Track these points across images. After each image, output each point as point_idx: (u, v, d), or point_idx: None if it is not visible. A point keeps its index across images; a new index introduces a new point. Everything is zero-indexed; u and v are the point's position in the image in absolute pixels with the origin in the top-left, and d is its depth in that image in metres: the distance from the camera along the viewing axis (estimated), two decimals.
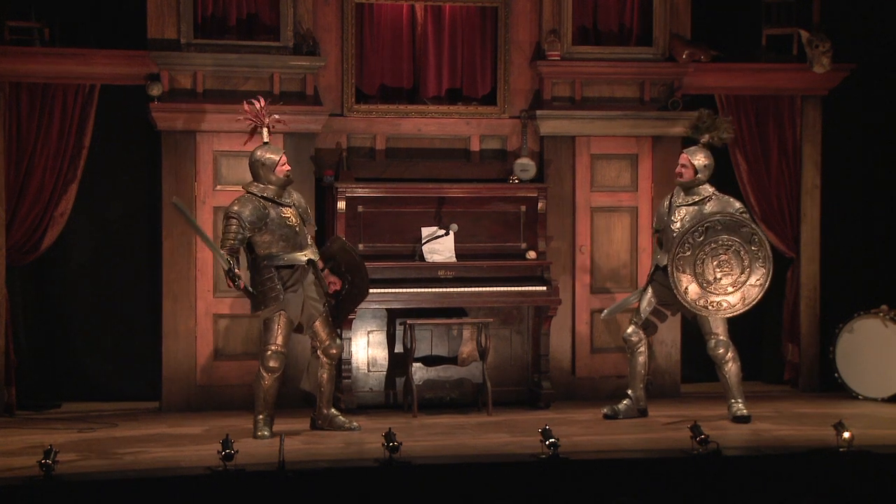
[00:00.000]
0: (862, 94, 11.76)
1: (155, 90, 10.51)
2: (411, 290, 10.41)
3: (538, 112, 11.08)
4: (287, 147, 10.73)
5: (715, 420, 9.93)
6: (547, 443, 8.41)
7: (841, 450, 8.68)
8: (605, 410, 10.28)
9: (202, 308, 10.66)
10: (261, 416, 9.55)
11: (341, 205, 10.55)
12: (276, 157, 9.59)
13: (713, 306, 9.96)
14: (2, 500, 7.65)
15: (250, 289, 9.51)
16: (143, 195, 11.00)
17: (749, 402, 10.31)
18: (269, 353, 9.54)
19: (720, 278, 9.91)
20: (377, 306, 10.46)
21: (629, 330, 10.28)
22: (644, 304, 10.25)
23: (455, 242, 10.67)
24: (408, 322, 10.39)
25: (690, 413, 10.09)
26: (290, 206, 9.61)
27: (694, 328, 11.51)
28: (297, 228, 9.58)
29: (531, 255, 10.81)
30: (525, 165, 11.04)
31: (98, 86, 10.57)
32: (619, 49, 11.33)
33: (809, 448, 8.91)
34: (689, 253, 9.88)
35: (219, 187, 10.70)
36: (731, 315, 10.06)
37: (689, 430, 8.67)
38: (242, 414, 10.36)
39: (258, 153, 9.60)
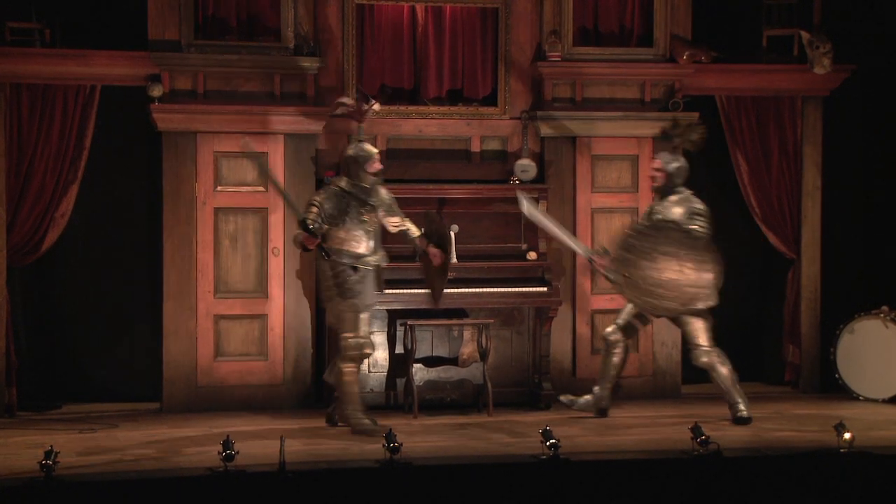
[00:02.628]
0: (863, 95, 11.77)
1: (156, 91, 10.52)
2: (412, 290, 10.41)
3: (539, 113, 11.09)
4: (287, 148, 10.74)
5: (716, 421, 9.92)
6: (547, 444, 8.41)
7: (842, 451, 8.68)
8: (562, 398, 10.30)
9: (203, 309, 10.67)
10: (351, 408, 9.55)
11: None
12: (374, 152, 9.74)
13: (677, 301, 9.79)
14: (2, 500, 7.65)
15: (325, 248, 9.51)
16: (143, 196, 11.00)
17: (750, 403, 10.31)
18: (354, 342, 9.58)
19: (668, 278, 9.75)
20: (378, 307, 10.46)
21: (609, 329, 10.25)
22: (628, 306, 10.21)
23: (456, 243, 10.67)
24: (408, 323, 10.39)
25: (691, 414, 10.08)
26: (374, 210, 9.71)
27: None
28: (374, 233, 9.70)
29: (532, 255, 10.81)
30: (526, 166, 11.04)
31: (99, 87, 10.57)
32: (620, 50, 11.33)
33: (810, 449, 8.91)
34: (629, 273, 9.76)
35: (219, 188, 10.70)
36: (703, 305, 9.90)
37: (690, 431, 8.66)
38: (243, 415, 10.37)
39: (353, 149, 9.72)
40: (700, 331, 10.05)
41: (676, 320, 10.12)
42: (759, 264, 12.01)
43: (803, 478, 8.49)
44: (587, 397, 10.29)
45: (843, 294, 11.70)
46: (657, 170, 10.14)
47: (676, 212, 10.01)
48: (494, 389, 10.44)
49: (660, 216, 10.02)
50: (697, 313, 10.00)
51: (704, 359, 10.07)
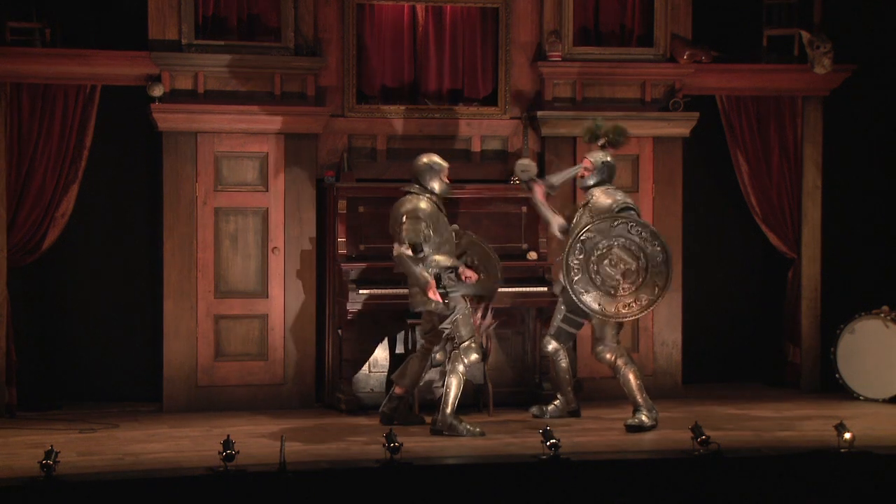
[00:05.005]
0: (863, 95, 11.76)
1: (156, 91, 10.52)
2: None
3: (539, 113, 11.08)
4: (288, 148, 10.74)
5: (716, 421, 9.92)
6: (548, 444, 8.41)
7: (842, 451, 8.69)
8: (533, 410, 10.29)
9: (203, 309, 10.67)
10: (454, 412, 9.60)
11: (342, 205, 10.55)
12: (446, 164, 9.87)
13: (633, 307, 9.75)
14: (2, 500, 7.66)
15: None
16: (143, 196, 11.00)
17: (750, 403, 10.31)
18: (474, 345, 9.69)
19: (621, 279, 9.73)
20: (378, 307, 10.47)
21: (545, 340, 10.22)
22: (556, 314, 10.17)
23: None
24: (409, 323, 10.38)
25: (691, 414, 10.07)
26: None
27: (695, 329, 11.54)
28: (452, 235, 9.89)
29: (532, 255, 10.81)
30: (526, 166, 11.01)
31: (99, 86, 10.57)
32: (621, 50, 11.33)
33: (810, 449, 8.91)
34: (580, 275, 9.72)
35: (220, 188, 10.70)
36: (653, 307, 9.87)
37: (690, 431, 8.67)
38: (243, 414, 10.37)
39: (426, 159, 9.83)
40: (607, 325, 9.94)
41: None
42: (759, 264, 12.01)
43: (803, 478, 8.49)
44: (556, 403, 10.29)
45: (843, 293, 11.69)
46: (586, 168, 10.05)
47: (605, 202, 9.97)
48: (495, 389, 10.44)
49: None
50: None
51: (608, 355, 9.95)
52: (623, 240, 9.74)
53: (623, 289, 9.73)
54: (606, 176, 10.07)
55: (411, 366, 9.96)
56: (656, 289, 9.76)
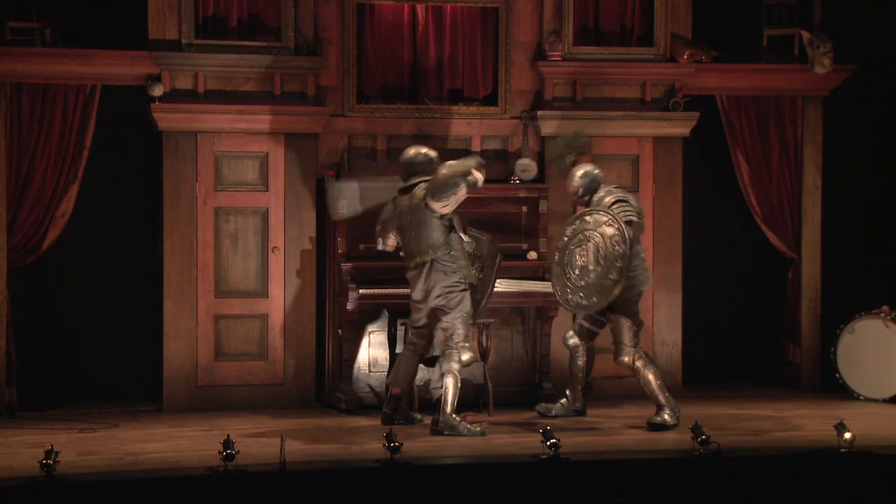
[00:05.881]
0: (863, 95, 11.76)
1: (156, 91, 10.52)
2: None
3: (539, 112, 11.08)
4: (288, 148, 10.74)
5: (716, 420, 9.92)
6: (548, 443, 8.41)
7: (842, 450, 8.69)
8: (538, 408, 10.31)
9: (203, 308, 10.67)
10: (454, 411, 9.57)
11: (343, 205, 10.54)
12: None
13: (569, 298, 9.86)
14: (2, 500, 7.66)
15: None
16: (143, 196, 11.00)
17: (750, 403, 10.26)
18: (467, 344, 9.70)
19: (583, 265, 9.77)
20: (378, 307, 10.47)
21: (567, 334, 10.26)
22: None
23: None
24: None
25: (691, 414, 10.07)
26: None
27: (695, 329, 11.54)
28: None
29: (532, 255, 10.81)
30: (526, 166, 11.05)
31: (99, 86, 10.57)
32: (621, 49, 11.33)
33: (810, 449, 8.91)
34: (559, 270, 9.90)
35: (220, 188, 10.70)
36: (614, 296, 9.80)
37: (690, 431, 8.67)
38: (243, 414, 10.37)
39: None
40: (624, 329, 9.95)
41: (607, 316, 10.03)
42: (759, 264, 12.01)
43: (803, 478, 8.49)
44: (562, 401, 10.32)
45: (843, 293, 11.70)
46: (573, 189, 10.09)
47: (606, 201, 9.98)
48: (495, 389, 10.44)
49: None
50: (626, 310, 9.96)
51: (626, 358, 9.96)
52: (599, 239, 9.71)
53: (573, 278, 9.77)
54: (596, 185, 10.06)
55: (402, 365, 9.94)
56: (592, 299, 9.78)
